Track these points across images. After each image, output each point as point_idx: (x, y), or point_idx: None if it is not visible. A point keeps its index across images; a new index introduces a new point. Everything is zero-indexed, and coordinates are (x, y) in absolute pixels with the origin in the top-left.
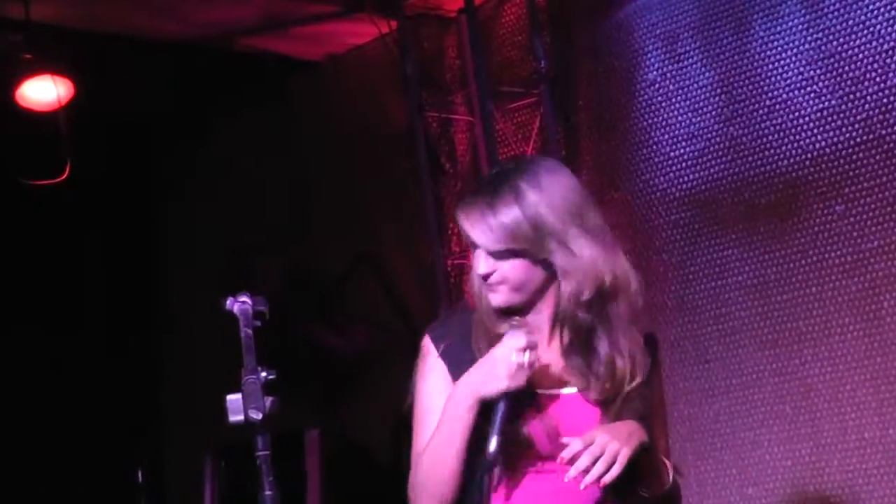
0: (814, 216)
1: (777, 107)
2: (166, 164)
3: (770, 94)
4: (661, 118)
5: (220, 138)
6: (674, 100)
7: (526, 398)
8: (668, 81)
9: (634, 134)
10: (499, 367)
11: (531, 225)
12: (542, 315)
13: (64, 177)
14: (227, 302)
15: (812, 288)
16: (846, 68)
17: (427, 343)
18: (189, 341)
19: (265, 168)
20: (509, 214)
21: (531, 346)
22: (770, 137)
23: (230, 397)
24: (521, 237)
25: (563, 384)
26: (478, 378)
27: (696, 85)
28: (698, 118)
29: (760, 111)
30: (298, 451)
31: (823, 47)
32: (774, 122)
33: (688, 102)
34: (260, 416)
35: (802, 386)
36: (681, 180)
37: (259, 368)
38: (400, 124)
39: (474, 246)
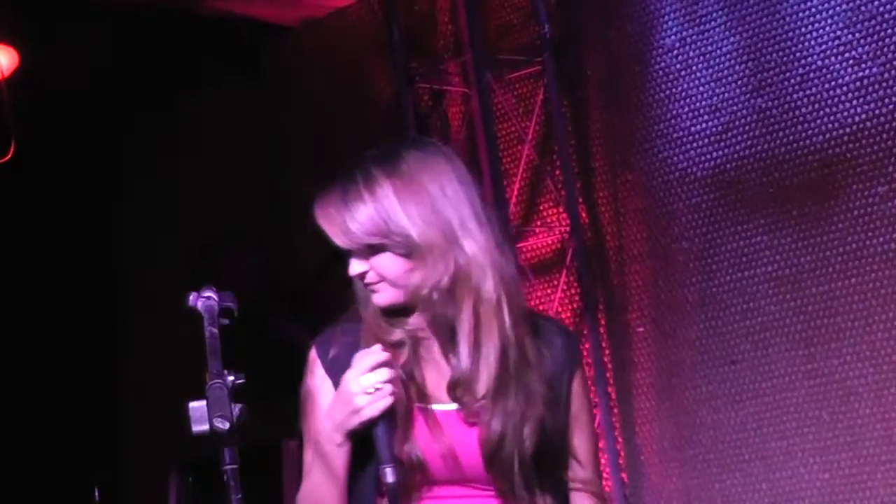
0: (852, 198)
1: (811, 75)
2: (125, 143)
3: (803, 61)
4: (679, 89)
5: (185, 114)
6: (694, 68)
7: (411, 415)
8: (687, 47)
9: (650, 107)
10: (354, 398)
11: (383, 218)
12: (420, 313)
13: (8, 157)
14: (190, 298)
15: (851, 279)
16: (888, 31)
17: (313, 357)
18: (152, 343)
19: (235, 148)
20: (361, 209)
21: (384, 364)
22: (803, 110)
23: (193, 405)
24: (375, 232)
25: (447, 397)
26: (338, 411)
27: (719, 51)
28: (722, 89)
29: (792, 80)
30: (276, 465)
31: (863, 7)
32: (808, 92)
33: (710, 71)
34: (227, 426)
35: (841, 389)
36: (703, 159)
37: (226, 372)
38: (386, 97)
39: (341, 248)
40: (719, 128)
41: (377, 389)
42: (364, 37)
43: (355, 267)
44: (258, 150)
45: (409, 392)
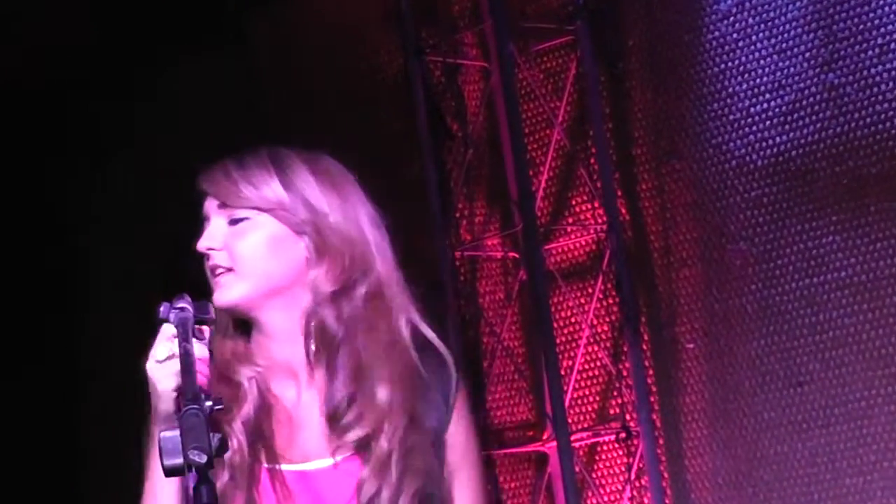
0: None
1: (891, 46)
2: (88, 131)
3: (882, 30)
4: (737, 62)
5: (160, 96)
6: (754, 38)
7: (256, 479)
8: (746, 13)
9: (702, 84)
10: (152, 376)
11: (289, 191)
12: (289, 335)
13: None
14: (161, 309)
15: None
16: None
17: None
18: (117, 360)
19: (219, 134)
20: (263, 176)
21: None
22: (882, 87)
23: (164, 434)
24: (272, 199)
25: (320, 452)
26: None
27: (783, 18)
28: (787, 62)
29: (869, 52)
30: None
31: None
32: (887, 66)
33: (773, 41)
34: (204, 459)
35: None
36: (764, 145)
37: (202, 396)
38: (392, 73)
39: (205, 221)
40: (784, 108)
41: (167, 358)
42: (366, 4)
43: (210, 238)
44: (243, 134)
45: (254, 451)
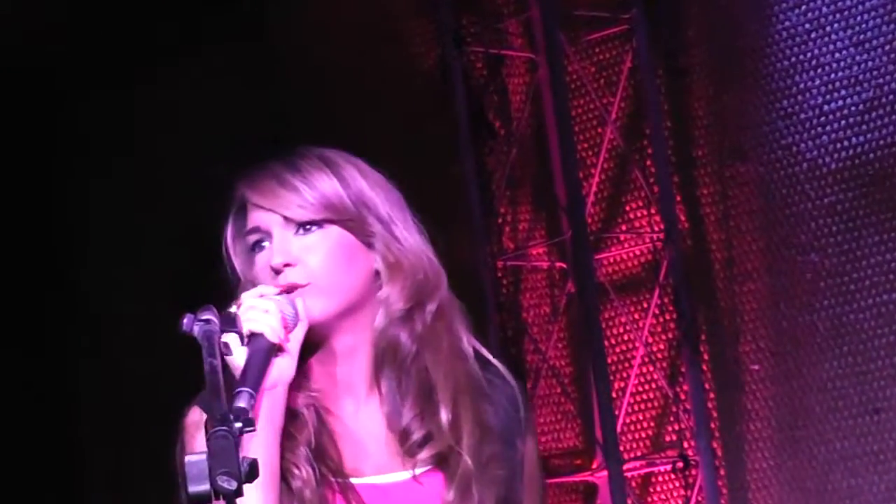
0: None
1: None
2: (81, 124)
3: None
4: (809, 55)
5: (164, 91)
6: (828, 28)
7: (325, 497)
8: (820, 1)
9: (770, 79)
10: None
11: (351, 193)
12: (354, 354)
13: None
14: (185, 321)
15: None
16: None
17: (198, 418)
18: (123, 373)
19: (231, 133)
20: (324, 181)
21: (289, 289)
22: None
23: (190, 458)
24: (340, 207)
25: (392, 465)
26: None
27: (861, 7)
28: (864, 55)
29: None
30: None
31: None
32: None
33: (849, 32)
34: (234, 486)
35: None
36: (838, 146)
37: (232, 416)
38: (428, 66)
39: (260, 235)
40: (860, 106)
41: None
42: None
43: (281, 253)
44: (259, 133)
45: (323, 475)
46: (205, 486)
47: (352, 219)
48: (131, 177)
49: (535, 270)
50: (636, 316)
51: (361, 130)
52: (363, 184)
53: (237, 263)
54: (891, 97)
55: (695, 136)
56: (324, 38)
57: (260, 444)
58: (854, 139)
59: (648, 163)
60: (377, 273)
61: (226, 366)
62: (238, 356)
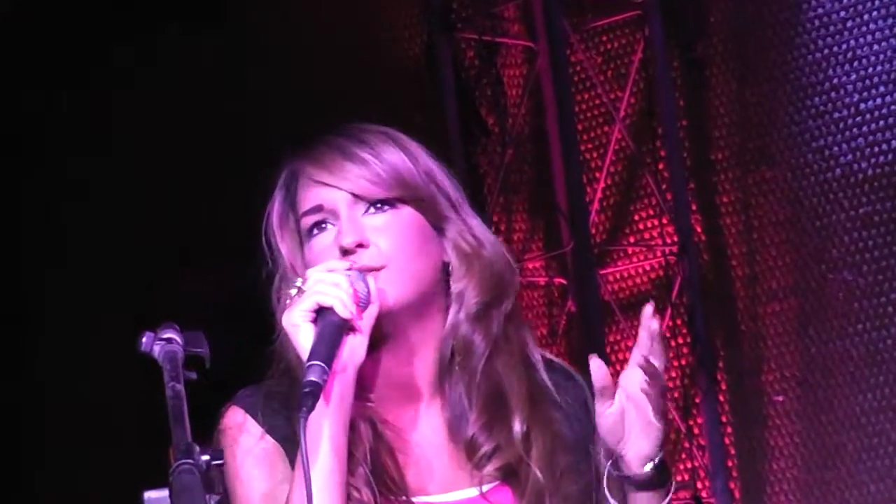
0: None
1: None
2: (34, 124)
3: None
4: (844, 47)
5: (116, 80)
6: (865, 17)
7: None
8: None
9: (801, 73)
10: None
11: (419, 172)
12: (417, 354)
13: None
14: (144, 340)
15: None
16: None
17: (241, 419)
18: (80, 400)
19: (195, 130)
20: (394, 155)
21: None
22: None
23: (150, 495)
24: (412, 185)
25: (457, 482)
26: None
27: None
28: None
29: None
30: None
31: None
32: None
33: (889, 21)
34: None
35: None
36: (875, 150)
37: (197, 448)
38: (414, 53)
39: (322, 215)
40: None
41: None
42: None
43: (356, 232)
44: (226, 130)
45: (384, 495)
46: None
47: (424, 199)
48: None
49: (531, 286)
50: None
51: (341, 121)
52: (431, 162)
53: (284, 250)
54: None
55: (714, 136)
56: (298, 21)
57: (327, 434)
58: (894, 142)
59: (661, 166)
60: (445, 264)
61: (189, 391)
62: (303, 336)
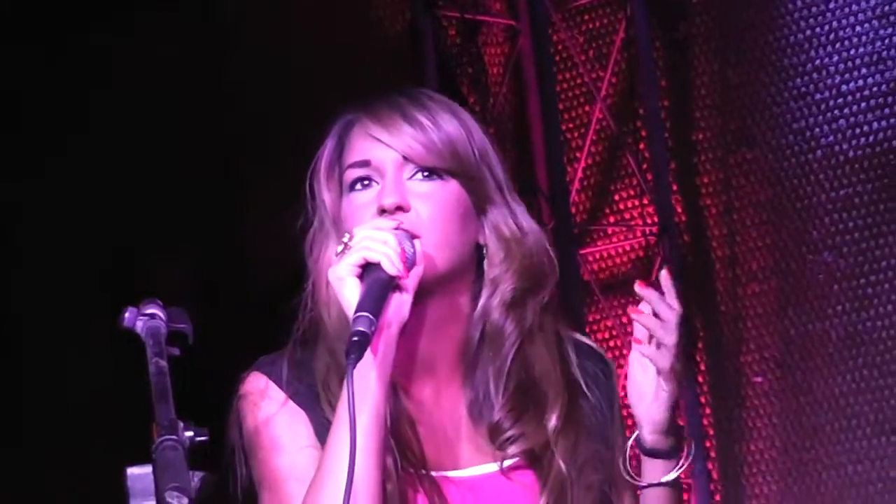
0: None
1: None
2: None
3: None
4: (826, 28)
5: (88, 67)
6: None
7: (405, 487)
8: None
9: (783, 55)
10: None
11: (474, 149)
12: (442, 330)
13: None
14: (126, 315)
15: None
16: None
17: (262, 384)
18: (55, 381)
19: (168, 116)
20: (452, 124)
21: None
22: None
23: (133, 471)
24: (464, 159)
25: (479, 458)
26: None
27: None
28: (889, 30)
29: None
30: None
31: None
32: None
33: (872, 3)
34: (185, 503)
35: None
36: (857, 131)
37: (182, 425)
38: (395, 31)
39: (367, 171)
40: (883, 87)
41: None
42: None
43: (399, 194)
44: (201, 112)
45: (402, 463)
46: (150, 503)
47: (473, 177)
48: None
49: None
50: (625, 319)
51: (320, 100)
52: (486, 141)
53: (328, 200)
54: None
55: (695, 117)
56: (275, 7)
57: (372, 389)
58: (875, 124)
59: (642, 147)
60: (479, 246)
61: (172, 366)
62: (349, 289)
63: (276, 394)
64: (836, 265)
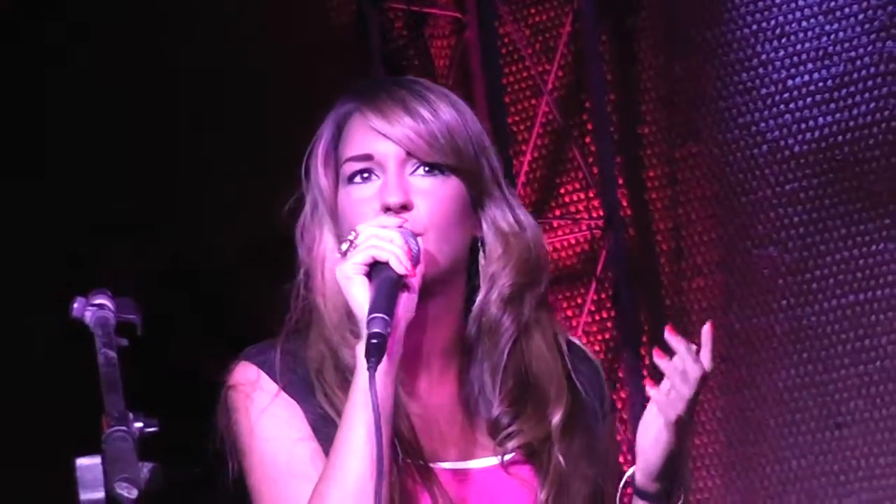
0: None
1: None
2: None
3: None
4: (772, 23)
5: (36, 55)
6: None
7: (402, 476)
8: None
9: (729, 49)
10: (364, 236)
11: (473, 142)
12: (435, 325)
13: None
14: (75, 306)
15: None
16: None
17: (255, 376)
18: (9, 368)
19: (119, 102)
20: (452, 117)
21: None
22: None
23: (82, 462)
24: (464, 153)
25: (477, 451)
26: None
27: None
28: (835, 25)
29: None
30: None
31: None
32: None
33: None
34: (135, 494)
35: None
36: (803, 126)
37: (131, 415)
38: (342, 23)
39: (369, 165)
40: (829, 82)
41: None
42: None
43: (402, 192)
44: (150, 99)
45: (401, 452)
46: (99, 494)
47: (472, 171)
48: None
49: None
50: (569, 313)
51: (264, 92)
52: (484, 135)
53: (325, 187)
54: (863, 72)
55: (641, 111)
56: None
57: (381, 390)
58: (821, 119)
59: (588, 140)
60: (475, 239)
61: (122, 359)
62: (356, 288)
63: (268, 385)
64: (781, 259)
